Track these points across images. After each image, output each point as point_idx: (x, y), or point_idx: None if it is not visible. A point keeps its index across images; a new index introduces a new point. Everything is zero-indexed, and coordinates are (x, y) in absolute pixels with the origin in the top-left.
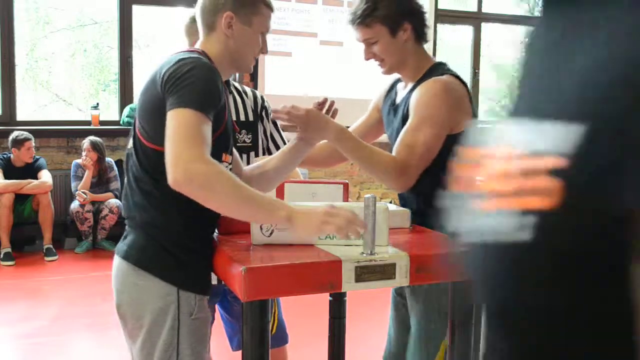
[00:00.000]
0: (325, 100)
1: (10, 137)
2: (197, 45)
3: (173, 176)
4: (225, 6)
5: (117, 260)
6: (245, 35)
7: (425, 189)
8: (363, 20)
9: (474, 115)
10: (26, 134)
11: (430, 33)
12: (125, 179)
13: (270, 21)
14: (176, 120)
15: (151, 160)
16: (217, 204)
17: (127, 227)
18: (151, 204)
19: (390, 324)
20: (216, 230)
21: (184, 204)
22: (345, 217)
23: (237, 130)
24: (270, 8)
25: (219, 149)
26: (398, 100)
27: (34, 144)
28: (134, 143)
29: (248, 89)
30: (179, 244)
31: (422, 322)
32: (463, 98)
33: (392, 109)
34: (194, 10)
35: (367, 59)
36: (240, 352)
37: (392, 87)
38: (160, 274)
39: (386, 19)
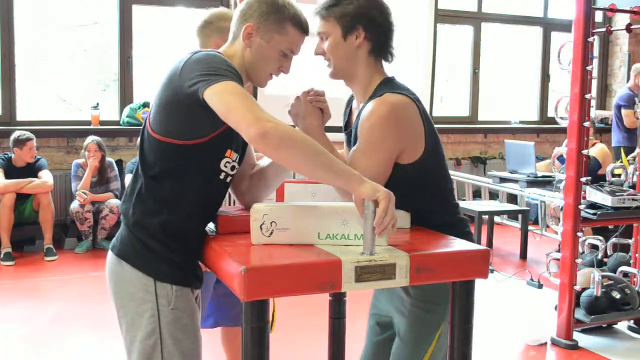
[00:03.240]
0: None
1: (12, 137)
2: (220, 49)
3: (249, 132)
4: (251, 17)
5: (109, 253)
6: (262, 50)
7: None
8: (321, 11)
9: (430, 128)
10: (28, 134)
11: (395, 54)
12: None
13: (298, 44)
14: (222, 92)
15: (151, 152)
16: (288, 162)
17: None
18: (136, 196)
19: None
20: (212, 226)
21: (162, 198)
22: (393, 213)
23: None
24: (301, 30)
25: (223, 144)
26: (352, 123)
27: (35, 144)
28: (142, 138)
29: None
30: (155, 237)
31: (410, 334)
32: (409, 113)
33: (347, 134)
34: (203, 12)
35: (315, 53)
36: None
37: (347, 106)
38: (138, 265)
39: (342, 17)
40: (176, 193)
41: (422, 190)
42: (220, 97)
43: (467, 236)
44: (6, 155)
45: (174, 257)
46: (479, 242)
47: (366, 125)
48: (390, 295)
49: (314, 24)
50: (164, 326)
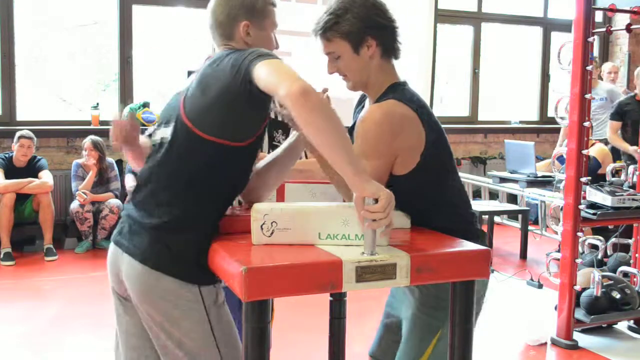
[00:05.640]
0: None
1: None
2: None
3: (291, 88)
4: (240, 16)
5: (128, 260)
6: (261, 39)
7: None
8: (324, 33)
9: (434, 139)
10: (25, 132)
11: (401, 49)
12: (151, 173)
13: (276, 17)
14: (272, 63)
15: (205, 155)
16: (316, 128)
17: (134, 224)
18: (180, 202)
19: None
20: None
21: (216, 205)
22: (390, 215)
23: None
24: (274, 5)
25: (259, 144)
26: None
27: (34, 144)
28: (178, 141)
29: None
30: (196, 246)
31: (412, 325)
32: (406, 124)
33: (350, 134)
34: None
35: (329, 72)
36: None
37: (360, 103)
38: (182, 276)
39: (348, 34)
40: (222, 196)
41: (418, 200)
42: (265, 66)
43: (469, 238)
44: (7, 155)
45: (204, 260)
46: None
47: (360, 130)
48: (402, 296)
49: (318, 44)
50: (214, 325)
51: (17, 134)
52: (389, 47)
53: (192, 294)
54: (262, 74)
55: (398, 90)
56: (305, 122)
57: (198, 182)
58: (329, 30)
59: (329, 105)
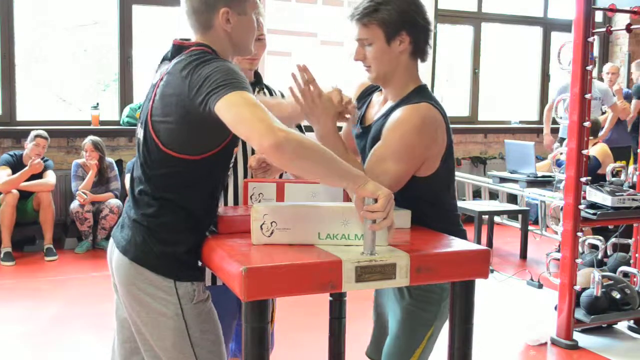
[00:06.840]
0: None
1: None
2: (195, 42)
3: (262, 145)
4: (218, 2)
5: (117, 252)
6: (244, 23)
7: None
8: (361, 18)
9: (450, 143)
10: (41, 132)
11: (430, 52)
12: (135, 170)
13: None
14: (235, 103)
15: (174, 169)
16: (300, 171)
17: (126, 218)
18: (159, 203)
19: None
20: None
21: (193, 203)
22: (391, 214)
23: None
24: None
25: (234, 144)
26: (371, 115)
27: (47, 145)
28: (148, 147)
29: (276, 89)
30: (175, 242)
31: (403, 324)
32: (439, 129)
33: (361, 124)
34: None
35: (356, 59)
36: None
37: (366, 95)
38: (157, 269)
39: (385, 23)
40: (197, 198)
41: (427, 202)
42: (228, 109)
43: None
44: (16, 154)
45: (191, 258)
46: (479, 242)
47: (396, 132)
48: (386, 292)
49: (352, 29)
50: (190, 322)
51: (33, 132)
52: (420, 47)
53: (168, 287)
54: (227, 118)
55: (427, 94)
56: (288, 169)
57: (169, 186)
58: (367, 16)
59: (302, 140)
